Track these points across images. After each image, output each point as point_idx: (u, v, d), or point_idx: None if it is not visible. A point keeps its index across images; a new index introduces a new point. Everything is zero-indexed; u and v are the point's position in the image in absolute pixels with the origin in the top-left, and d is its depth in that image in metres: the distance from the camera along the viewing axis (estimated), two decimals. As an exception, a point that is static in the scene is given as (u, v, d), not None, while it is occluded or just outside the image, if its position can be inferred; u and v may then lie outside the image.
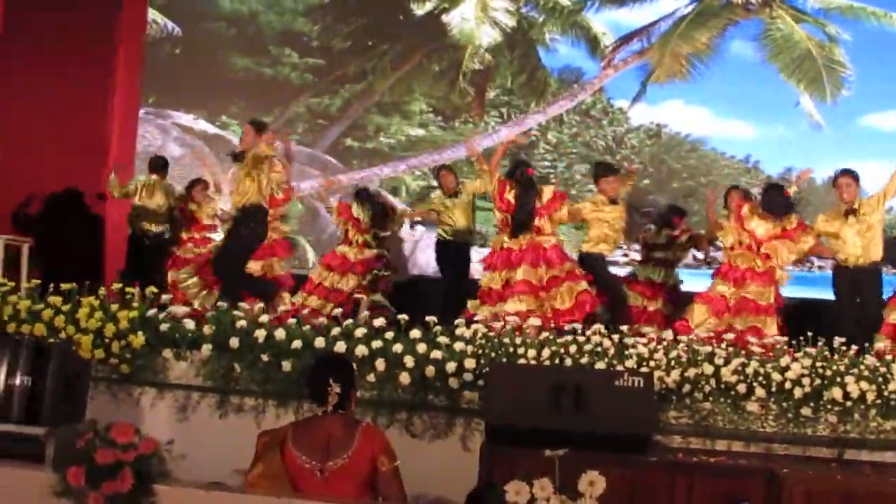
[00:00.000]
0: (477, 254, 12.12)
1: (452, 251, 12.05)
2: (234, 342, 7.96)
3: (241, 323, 8.11)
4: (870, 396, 7.53)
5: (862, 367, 7.76)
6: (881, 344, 8.97)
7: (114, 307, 8.24)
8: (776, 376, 7.65)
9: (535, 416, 6.51)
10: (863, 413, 7.57)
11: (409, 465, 5.55)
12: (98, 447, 4.78)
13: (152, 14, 15.56)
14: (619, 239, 10.78)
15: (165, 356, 8.11)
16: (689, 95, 16.24)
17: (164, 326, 8.20)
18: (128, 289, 8.48)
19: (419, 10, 16.33)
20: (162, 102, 15.92)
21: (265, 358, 7.91)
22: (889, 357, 8.01)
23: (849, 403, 7.54)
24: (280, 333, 7.96)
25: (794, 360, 7.85)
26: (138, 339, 8.04)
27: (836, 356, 7.99)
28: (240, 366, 8.00)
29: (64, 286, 8.37)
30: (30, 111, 13.17)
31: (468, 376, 7.69)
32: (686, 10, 16.18)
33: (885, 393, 7.57)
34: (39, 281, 8.68)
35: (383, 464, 5.16)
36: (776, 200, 10.28)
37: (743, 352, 8.04)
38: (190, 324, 8.20)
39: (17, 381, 5.63)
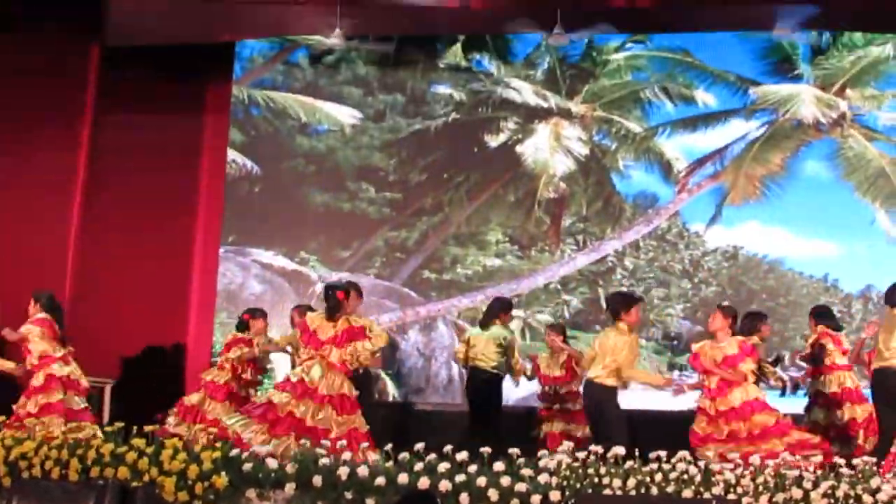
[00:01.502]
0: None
1: None
2: (317, 480, 7.99)
3: (324, 461, 8.15)
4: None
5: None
6: None
7: (197, 448, 8.33)
8: (867, 498, 7.53)
9: (624, 548, 6.46)
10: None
11: None
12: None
13: (232, 154, 15.96)
14: None
15: (249, 496, 8.14)
16: (764, 216, 16.21)
17: (246, 466, 8.25)
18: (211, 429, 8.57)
19: (493, 142, 16.57)
20: (242, 240, 16.19)
21: (349, 496, 7.93)
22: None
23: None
24: (363, 470, 7.98)
25: (885, 480, 7.73)
26: (221, 480, 8.09)
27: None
28: (323, 504, 8.03)
29: (147, 427, 8.49)
30: (113, 253, 13.52)
31: (553, 508, 7.66)
32: (758, 132, 16.25)
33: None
34: (123, 423, 8.78)
35: None
36: None
37: (832, 474, 7.93)
38: (273, 463, 8.25)
39: (102, 527, 5.69)
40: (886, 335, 10.39)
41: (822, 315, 12.22)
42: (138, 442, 8.31)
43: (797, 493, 7.61)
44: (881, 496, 7.53)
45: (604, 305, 13.57)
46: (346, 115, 16.59)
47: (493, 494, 7.67)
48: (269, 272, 16.25)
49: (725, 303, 12.43)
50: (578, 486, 7.83)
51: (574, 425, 11.99)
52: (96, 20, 13.43)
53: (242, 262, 16.25)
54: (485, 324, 12.44)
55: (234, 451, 8.49)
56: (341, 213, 16.35)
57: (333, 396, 9.77)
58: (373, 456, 9.16)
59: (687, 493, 7.68)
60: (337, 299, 10.05)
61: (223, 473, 8.15)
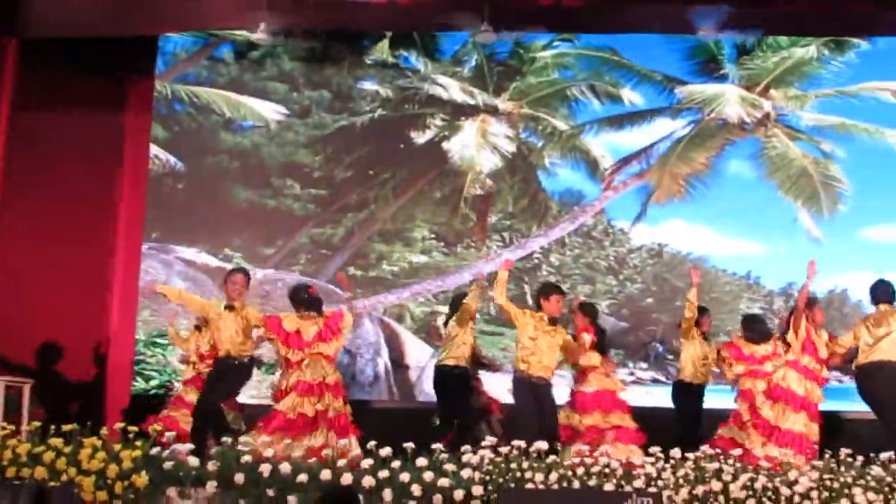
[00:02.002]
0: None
1: None
2: (238, 478, 7.91)
3: (246, 458, 8.07)
4: (877, 507, 7.50)
5: (868, 477, 7.73)
6: None
7: (116, 447, 8.21)
8: (785, 490, 7.61)
9: (545, 542, 6.46)
10: (872, 524, 7.52)
11: None
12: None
13: (155, 149, 15.74)
14: None
15: (170, 495, 8.05)
16: (689, 214, 16.35)
17: (167, 465, 8.14)
18: (130, 427, 8.46)
19: (420, 139, 16.52)
20: (165, 237, 15.99)
21: (271, 493, 7.87)
22: None
23: (857, 515, 7.50)
24: (285, 467, 7.92)
25: (802, 473, 7.82)
26: (142, 479, 7.99)
27: (842, 468, 7.96)
28: (245, 502, 7.95)
29: (65, 427, 8.35)
30: (33, 252, 13.30)
31: (476, 503, 7.64)
32: (683, 131, 16.38)
33: (893, 502, 7.52)
34: (40, 423, 8.63)
35: None
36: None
37: (751, 467, 8.01)
38: (194, 461, 8.15)
39: (18, 529, 5.58)
40: (874, 330, 10.48)
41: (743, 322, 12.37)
42: (56, 442, 8.18)
43: (717, 485, 7.67)
44: (798, 488, 7.61)
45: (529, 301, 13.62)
46: (271, 111, 16.43)
47: (415, 490, 7.64)
48: (192, 269, 16.06)
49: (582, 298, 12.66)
50: (501, 480, 7.82)
51: None
52: (13, 11, 13.11)
53: (165, 260, 16.05)
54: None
55: (155, 450, 8.38)
56: (266, 210, 16.20)
57: (332, 385, 10.23)
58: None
59: (608, 487, 7.71)
60: (314, 296, 10.25)
61: (143, 472, 8.04)
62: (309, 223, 16.28)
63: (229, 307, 10.49)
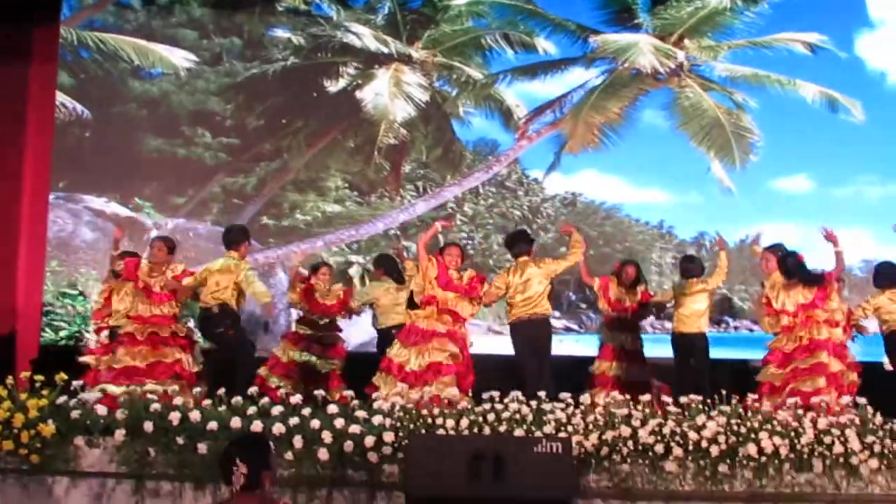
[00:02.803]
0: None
1: None
2: (147, 426, 7.82)
3: (155, 406, 7.98)
4: (783, 451, 7.61)
5: (775, 422, 7.84)
6: None
7: (23, 396, 8.08)
8: (693, 435, 7.70)
9: (456, 486, 6.48)
10: (777, 468, 7.64)
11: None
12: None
13: (61, 97, 15.36)
14: None
15: (77, 444, 7.93)
16: (602, 164, 16.44)
17: (75, 413, 8.02)
18: (37, 376, 8.31)
19: (333, 88, 16.37)
20: (72, 187, 15.70)
21: (180, 441, 7.79)
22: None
23: (763, 459, 7.61)
24: (195, 415, 7.84)
25: (710, 418, 7.91)
26: (48, 428, 7.87)
27: (749, 413, 8.07)
28: (154, 450, 7.86)
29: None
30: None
31: (387, 450, 7.64)
32: (597, 80, 16.42)
33: (798, 447, 7.65)
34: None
35: (300, 541, 5.06)
36: None
37: (659, 412, 8.09)
38: (102, 409, 8.04)
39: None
40: None
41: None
42: (-42, 392, 8.04)
43: (626, 430, 7.73)
44: (706, 433, 7.70)
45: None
46: (180, 59, 16.12)
47: (326, 436, 7.61)
48: (101, 219, 15.80)
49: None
50: (412, 426, 7.82)
51: None
52: None
53: (73, 209, 15.77)
54: None
55: (62, 399, 8.25)
56: (176, 159, 15.96)
57: None
58: None
59: (519, 433, 7.74)
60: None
61: (50, 421, 7.92)
62: (220, 172, 16.09)
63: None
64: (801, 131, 16.13)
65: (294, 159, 16.11)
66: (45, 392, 8.20)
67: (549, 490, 6.55)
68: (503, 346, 10.72)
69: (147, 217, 15.69)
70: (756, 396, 8.82)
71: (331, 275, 11.54)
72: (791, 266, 9.73)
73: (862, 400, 8.23)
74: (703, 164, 16.24)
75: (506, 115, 16.56)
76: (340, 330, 11.32)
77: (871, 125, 15.99)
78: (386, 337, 10.75)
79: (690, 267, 11.34)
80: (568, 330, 15.75)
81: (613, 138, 16.31)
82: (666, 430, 7.77)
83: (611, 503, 7.65)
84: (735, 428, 7.80)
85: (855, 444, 7.70)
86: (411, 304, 10.01)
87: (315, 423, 7.73)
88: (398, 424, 7.84)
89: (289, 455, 7.63)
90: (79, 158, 15.69)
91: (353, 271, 14.24)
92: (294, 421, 7.77)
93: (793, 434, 7.77)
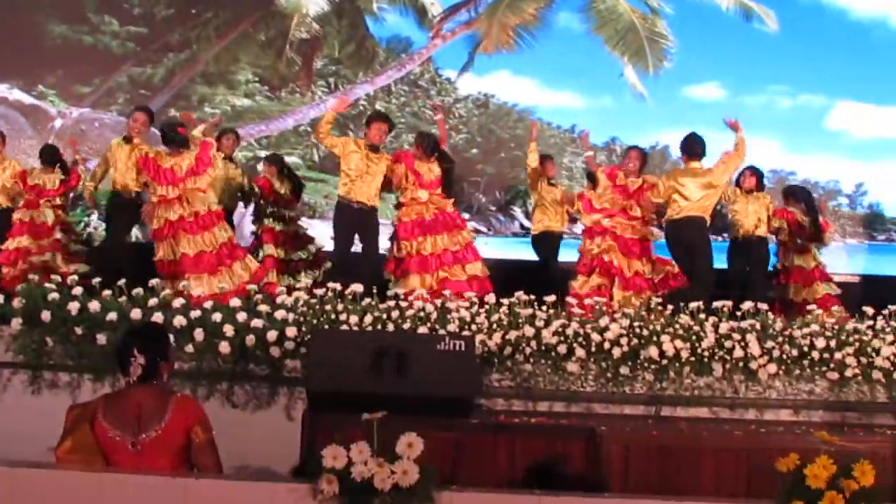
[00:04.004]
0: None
1: None
2: (45, 315, 7.69)
3: (54, 295, 7.83)
4: (684, 354, 7.71)
5: (677, 326, 7.92)
6: None
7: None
8: (595, 337, 7.75)
9: (358, 382, 6.45)
10: (678, 371, 7.73)
11: (231, 436, 5.42)
12: None
13: (-39, -22, 14.92)
14: None
15: (-28, 333, 7.79)
16: (516, 66, 16.38)
17: (-30, 301, 7.87)
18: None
19: (245, -22, 16.03)
20: (-28, 71, 15.28)
21: (79, 331, 7.67)
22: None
23: (664, 362, 7.70)
24: (95, 305, 7.72)
25: (613, 320, 7.97)
26: (-58, 318, 7.72)
27: (652, 316, 8.15)
28: (52, 340, 7.74)
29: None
30: None
31: (290, 345, 7.60)
32: (513, -20, 16.25)
33: (699, 351, 7.75)
34: None
35: (198, 435, 4.98)
36: None
37: (563, 313, 8.12)
38: (-5, 298, 7.90)
39: None
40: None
41: None
42: None
43: (529, 330, 7.76)
44: (608, 335, 7.76)
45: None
46: (88, -57, 15.64)
47: (228, 330, 7.53)
48: (4, 106, 15.40)
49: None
50: (315, 322, 7.77)
51: None
52: None
53: (-27, 95, 15.37)
54: None
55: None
56: (82, 47, 15.57)
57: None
58: None
59: (423, 330, 7.74)
60: (182, 135, 9.84)
61: (-57, 310, 7.77)
62: (128, 62, 15.74)
63: (127, 139, 10.26)
64: (715, 39, 16.19)
65: (203, 51, 15.80)
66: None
67: (452, 388, 6.54)
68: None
69: (51, 105, 15.33)
70: None
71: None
72: None
73: (763, 306, 8.33)
74: (616, 68, 16.24)
75: (420, 12, 16.36)
76: None
77: (784, 36, 16.09)
78: None
79: None
80: (477, 232, 15.75)
81: (528, 40, 16.22)
82: (569, 332, 7.81)
83: (513, 403, 7.70)
84: (637, 330, 7.86)
85: (755, 348, 7.81)
86: None
87: (217, 317, 7.65)
88: (301, 319, 7.80)
89: (189, 348, 7.55)
90: (-21, 42, 15.25)
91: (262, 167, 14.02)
92: (195, 314, 7.69)
93: (694, 338, 7.86)
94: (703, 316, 8.20)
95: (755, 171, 11.21)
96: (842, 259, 15.58)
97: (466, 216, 14.85)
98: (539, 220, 11.63)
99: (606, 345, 7.74)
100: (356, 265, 9.86)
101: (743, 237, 10.90)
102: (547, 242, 11.58)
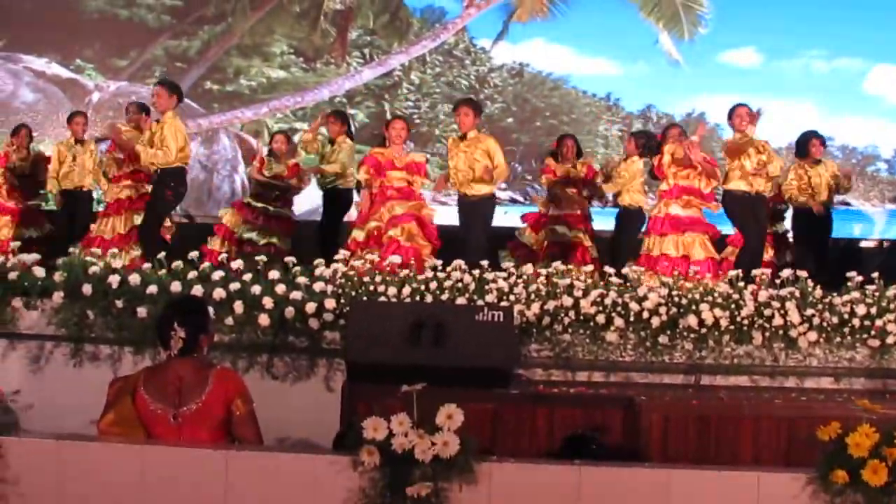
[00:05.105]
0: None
1: None
2: (86, 289, 7.75)
3: (94, 269, 7.89)
4: (723, 323, 7.68)
5: (715, 294, 7.89)
6: None
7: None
8: (634, 306, 7.74)
9: (396, 354, 6.47)
10: (717, 339, 7.71)
11: (271, 408, 5.47)
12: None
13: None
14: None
15: (15, 306, 7.85)
16: (550, 34, 16.28)
17: (12, 275, 7.92)
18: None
19: (279, -50, 16.02)
20: (12, 46, 15.35)
21: (119, 304, 7.73)
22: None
23: (703, 330, 7.68)
24: (135, 278, 7.77)
25: (651, 289, 7.95)
26: (-15, 290, 7.79)
27: (690, 285, 8.12)
28: (93, 313, 7.80)
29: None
30: None
31: (328, 316, 7.63)
32: (547, -52, 16.16)
33: (738, 319, 7.72)
34: None
35: (238, 408, 5.02)
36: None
37: (601, 283, 8.12)
38: (40, 271, 7.94)
39: None
40: None
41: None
42: None
43: (568, 301, 7.75)
44: (647, 304, 7.74)
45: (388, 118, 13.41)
46: (124, -82, 15.67)
47: (267, 302, 7.57)
48: (42, 80, 15.51)
49: None
50: (354, 294, 7.80)
51: None
52: None
53: (13, 70, 15.47)
54: None
55: (-1, 260, 8.15)
56: (118, 20, 15.64)
57: None
58: None
59: (461, 301, 7.75)
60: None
61: (-13, 283, 7.83)
62: (163, 35, 15.78)
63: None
64: (751, 4, 16.00)
65: (238, 23, 15.81)
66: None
67: (490, 358, 6.55)
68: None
69: (88, 79, 15.43)
70: None
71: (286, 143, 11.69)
72: None
73: (803, 273, 8.28)
74: (651, 35, 16.13)
75: (454, -19, 16.31)
76: (292, 204, 11.49)
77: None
78: None
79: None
80: (514, 202, 15.72)
81: (562, 7, 16.13)
82: (608, 301, 7.80)
83: (551, 373, 7.70)
84: (676, 300, 7.84)
85: (795, 316, 7.77)
86: None
87: (256, 289, 7.68)
88: (340, 291, 7.82)
89: (229, 321, 7.60)
90: (18, 17, 15.34)
91: (298, 138, 14.06)
92: (235, 286, 7.73)
93: (733, 306, 7.83)
94: (741, 284, 8.17)
95: (820, 138, 11.31)
96: (881, 223, 15.52)
97: (504, 185, 14.87)
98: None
99: (645, 314, 7.73)
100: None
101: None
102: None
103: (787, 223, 11.81)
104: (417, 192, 10.17)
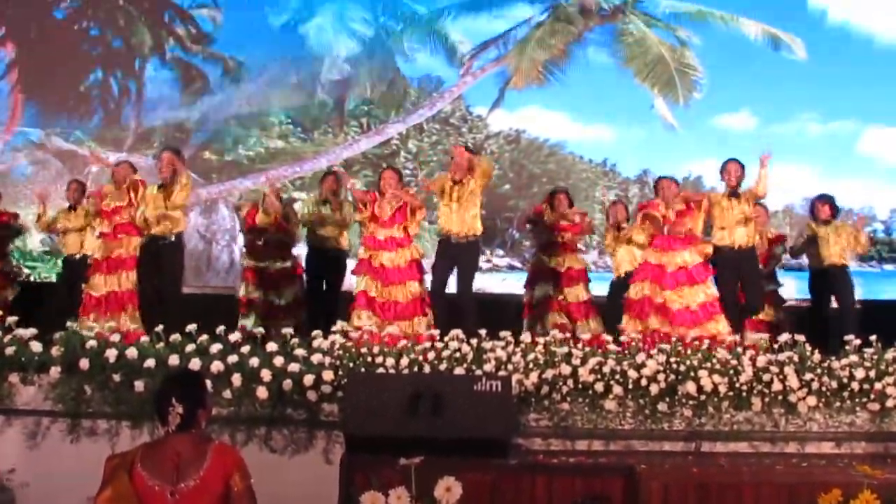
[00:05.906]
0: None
1: None
2: (83, 363, 7.73)
3: (91, 343, 7.88)
4: (722, 389, 7.66)
5: (714, 360, 7.88)
6: None
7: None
8: (632, 373, 7.72)
9: (395, 425, 6.45)
10: (716, 406, 7.68)
11: (270, 481, 5.43)
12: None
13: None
14: None
15: (12, 381, 7.81)
16: (546, 101, 16.41)
17: (9, 350, 7.90)
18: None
19: (276, 22, 16.15)
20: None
21: (117, 378, 7.70)
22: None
23: (703, 397, 7.66)
24: (132, 352, 7.75)
25: (649, 356, 7.93)
26: (-19, 366, 7.76)
27: (688, 351, 8.10)
28: (91, 387, 7.77)
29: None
30: None
31: (327, 388, 7.60)
32: (541, 16, 16.33)
33: (737, 385, 7.70)
34: None
35: (236, 483, 4.98)
36: None
37: (599, 350, 8.10)
38: (37, 346, 7.92)
39: None
40: None
41: None
42: None
43: (566, 369, 7.73)
44: (645, 371, 7.72)
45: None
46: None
47: (265, 375, 7.55)
48: (41, 152, 15.59)
49: None
50: (352, 365, 7.78)
51: None
52: None
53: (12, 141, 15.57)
54: None
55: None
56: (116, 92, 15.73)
57: None
58: None
59: (459, 371, 7.73)
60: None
61: (-17, 358, 7.81)
62: (162, 105, 15.85)
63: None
64: (744, 69, 16.14)
65: (236, 93, 15.90)
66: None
67: (489, 428, 6.54)
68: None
69: (88, 151, 15.50)
70: None
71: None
72: None
73: (800, 337, 8.28)
74: (646, 100, 16.25)
75: (450, 51, 16.45)
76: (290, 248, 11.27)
77: (812, 63, 16.06)
78: None
79: None
80: (511, 268, 15.74)
81: (558, 74, 16.26)
82: (606, 369, 7.79)
83: (550, 442, 7.67)
84: (674, 366, 7.83)
85: (793, 381, 7.76)
86: None
87: (254, 362, 7.67)
88: (338, 363, 7.80)
89: (227, 394, 7.57)
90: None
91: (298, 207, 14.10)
92: (233, 359, 7.71)
93: (732, 372, 7.81)
94: (739, 350, 8.17)
95: (827, 200, 11.27)
96: (878, 285, 15.51)
97: (501, 252, 14.90)
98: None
99: (644, 381, 7.71)
100: None
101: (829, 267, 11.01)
102: None
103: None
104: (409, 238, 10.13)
